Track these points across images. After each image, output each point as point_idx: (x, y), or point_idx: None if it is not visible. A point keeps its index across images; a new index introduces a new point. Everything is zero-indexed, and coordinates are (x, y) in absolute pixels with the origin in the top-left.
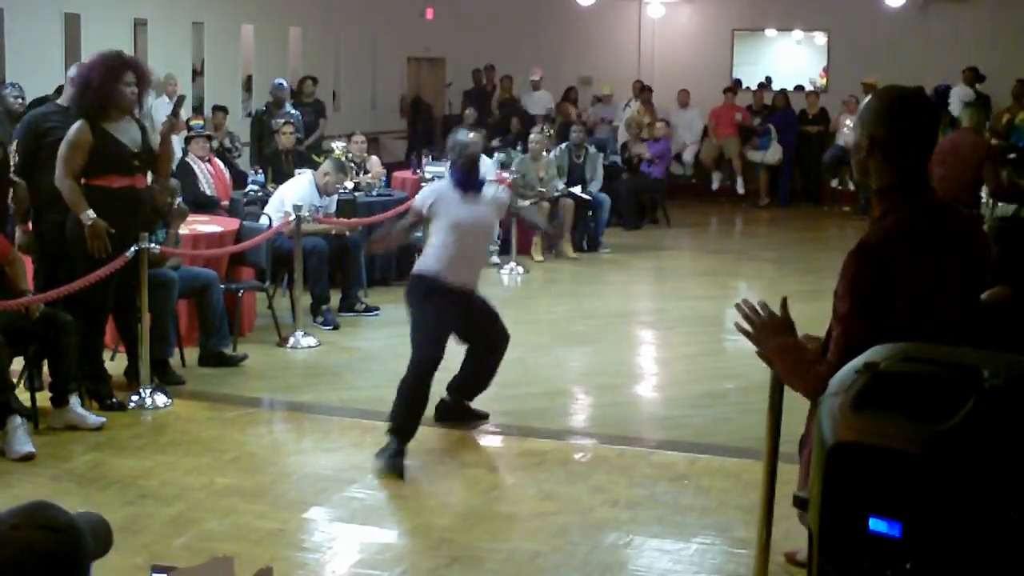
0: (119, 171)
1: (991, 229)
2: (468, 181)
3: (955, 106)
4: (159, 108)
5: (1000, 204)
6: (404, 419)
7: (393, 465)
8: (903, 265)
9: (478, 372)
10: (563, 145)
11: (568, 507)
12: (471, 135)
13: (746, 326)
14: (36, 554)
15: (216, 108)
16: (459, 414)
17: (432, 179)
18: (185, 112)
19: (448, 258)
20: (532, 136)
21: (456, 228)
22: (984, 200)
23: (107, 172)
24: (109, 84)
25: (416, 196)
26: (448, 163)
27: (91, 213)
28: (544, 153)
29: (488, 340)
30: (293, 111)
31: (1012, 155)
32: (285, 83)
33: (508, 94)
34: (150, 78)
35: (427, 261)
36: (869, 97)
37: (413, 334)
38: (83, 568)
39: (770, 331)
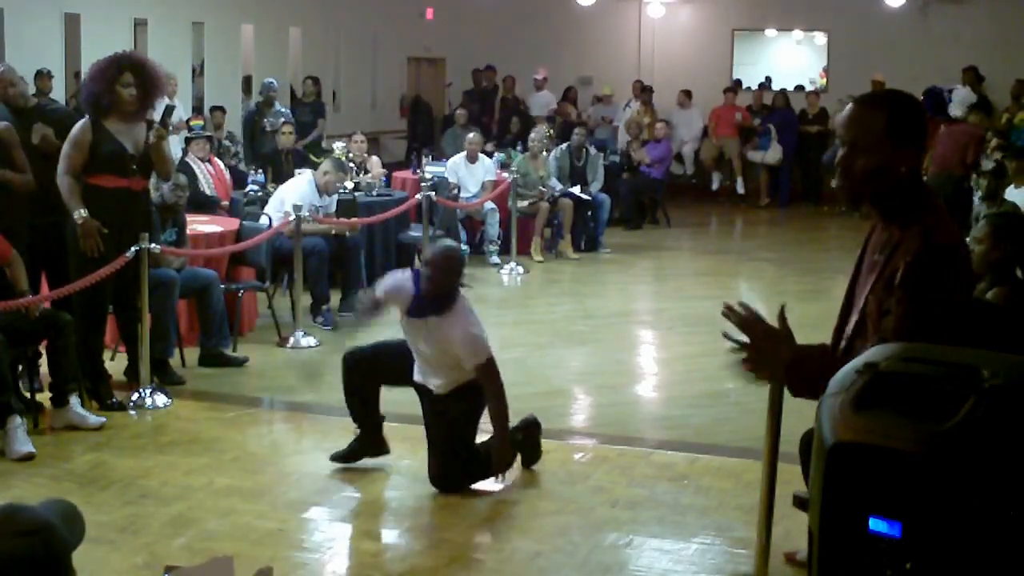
0: (114, 171)
1: (989, 226)
2: (430, 300)
3: (956, 108)
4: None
5: (1006, 198)
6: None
7: None
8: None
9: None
10: (564, 146)
11: (568, 507)
12: (454, 244)
13: (740, 345)
14: (17, 563)
15: (215, 108)
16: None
17: (432, 179)
18: (185, 112)
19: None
20: (532, 135)
21: (408, 339)
22: (980, 198)
23: (102, 171)
24: (106, 85)
25: (382, 283)
26: (421, 269)
27: (83, 212)
28: (544, 153)
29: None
30: (283, 110)
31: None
32: (275, 83)
33: (510, 94)
34: (157, 77)
35: None
36: (855, 110)
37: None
38: (64, 563)
39: (771, 350)
